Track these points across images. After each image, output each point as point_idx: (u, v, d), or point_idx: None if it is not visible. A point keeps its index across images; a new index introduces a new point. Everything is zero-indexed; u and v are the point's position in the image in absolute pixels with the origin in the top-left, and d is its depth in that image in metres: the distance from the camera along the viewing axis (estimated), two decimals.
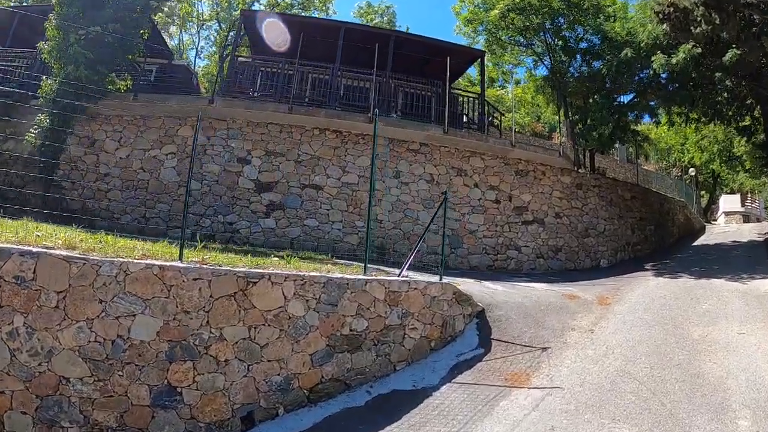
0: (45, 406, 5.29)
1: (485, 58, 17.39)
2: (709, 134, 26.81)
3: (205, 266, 6.25)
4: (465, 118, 16.93)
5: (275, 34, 15.01)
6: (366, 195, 13.35)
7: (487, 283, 10.94)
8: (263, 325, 6.39)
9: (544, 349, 7.61)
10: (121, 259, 5.86)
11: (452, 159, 14.29)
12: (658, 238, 18.90)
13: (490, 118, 17.63)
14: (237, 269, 6.38)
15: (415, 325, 7.63)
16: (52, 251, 5.62)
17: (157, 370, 5.75)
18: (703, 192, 34.78)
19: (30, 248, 5.52)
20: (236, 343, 6.22)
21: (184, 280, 5.99)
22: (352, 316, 7.00)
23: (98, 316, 5.59)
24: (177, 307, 5.94)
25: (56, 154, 12.15)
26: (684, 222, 22.73)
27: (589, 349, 7.45)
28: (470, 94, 16.98)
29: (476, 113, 16.26)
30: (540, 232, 14.89)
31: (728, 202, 33.18)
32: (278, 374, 6.40)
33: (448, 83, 14.41)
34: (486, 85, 18.27)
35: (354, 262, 10.73)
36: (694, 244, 19.77)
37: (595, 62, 16.60)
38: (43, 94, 11.98)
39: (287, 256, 8.07)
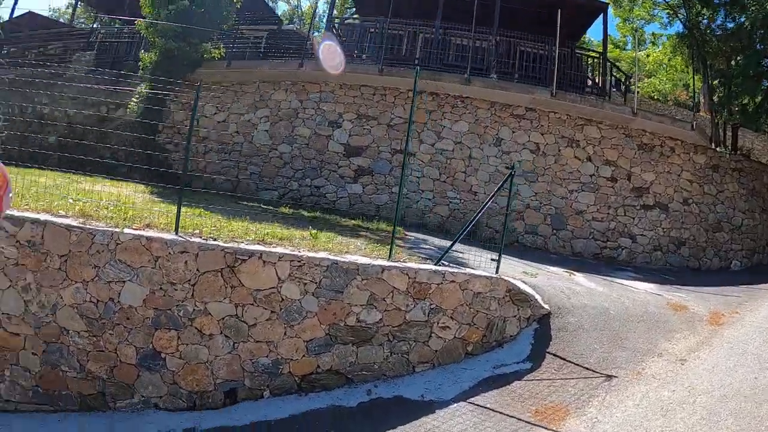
0: (49, 351, 5.42)
1: (609, 11, 14.13)
2: None
3: (192, 240, 5.45)
4: (589, 82, 14.11)
5: None
6: (462, 164, 11.70)
7: (579, 277, 8.84)
8: (251, 304, 5.48)
9: (609, 377, 5.55)
10: (113, 229, 5.46)
11: (563, 127, 11.82)
12: None
13: (624, 84, 14.52)
14: (225, 245, 5.48)
15: (448, 324, 6.07)
16: (56, 220, 5.51)
17: (143, 334, 5.45)
18: None
19: (39, 217, 5.49)
20: (222, 319, 5.45)
21: (170, 253, 5.40)
22: (361, 305, 5.71)
23: (92, 280, 5.43)
24: (163, 277, 5.37)
25: (156, 120, 12.22)
26: None
27: (667, 389, 5.21)
28: (591, 54, 13.96)
29: (599, 76, 13.33)
30: (661, 220, 11.88)
31: None
32: (266, 356, 5.53)
33: (557, 39, 11.79)
34: (621, 47, 15.03)
35: (434, 238, 9.10)
36: None
37: (741, 16, 12.47)
38: (142, 66, 12.09)
39: (313, 233, 6.83)
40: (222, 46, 12.64)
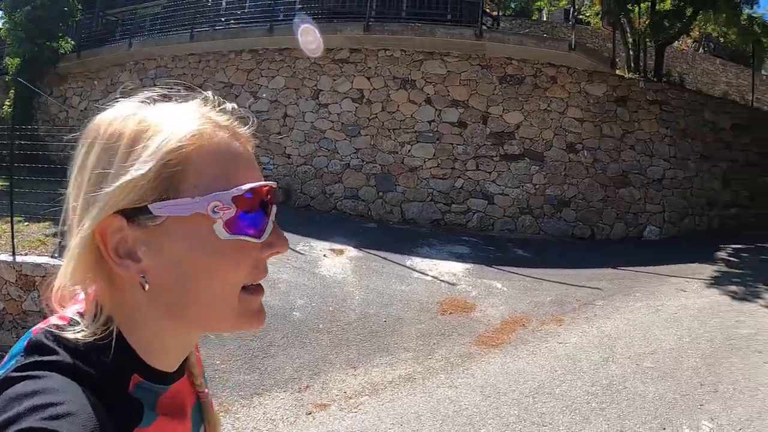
0: None
1: None
2: None
3: None
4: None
5: None
6: (277, 124, 10.44)
7: (341, 258, 7.40)
8: None
9: None
10: None
11: (396, 66, 9.84)
12: None
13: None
14: None
15: None
16: None
17: None
18: None
19: None
20: None
21: None
22: None
23: None
24: None
25: (29, 118, 12.89)
26: None
27: None
28: None
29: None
30: (533, 174, 9.31)
31: None
32: None
33: None
34: None
35: None
36: None
37: None
38: (9, 71, 13.14)
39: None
40: (69, 39, 13.10)
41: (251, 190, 0.59)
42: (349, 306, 5.90)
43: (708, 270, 7.48)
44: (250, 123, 0.67)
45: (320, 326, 5.43)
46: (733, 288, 6.71)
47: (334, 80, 10.15)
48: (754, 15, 10.52)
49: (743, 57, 14.33)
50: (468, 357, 4.92)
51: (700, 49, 17.09)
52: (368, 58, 10.03)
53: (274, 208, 0.63)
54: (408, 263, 7.33)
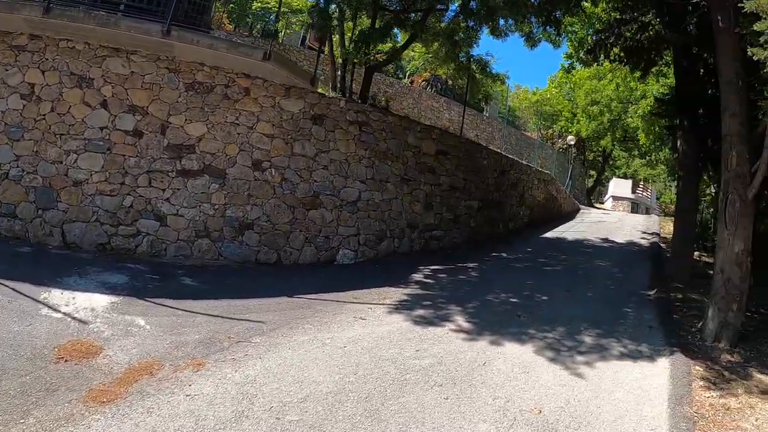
0: None
1: None
2: (601, 99, 23.14)
3: None
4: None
5: None
6: None
7: None
8: None
9: None
10: None
11: (75, 60, 8.46)
12: (485, 221, 11.12)
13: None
14: None
15: None
16: None
17: None
18: (593, 172, 31.56)
19: None
20: None
21: None
22: None
23: None
24: None
25: None
26: (543, 202, 16.03)
27: None
28: None
29: None
30: (213, 192, 8.34)
31: (619, 186, 31.21)
32: None
33: None
34: None
35: None
36: (546, 235, 12.89)
37: None
38: None
39: None
40: None
41: None
42: None
43: (398, 294, 7.08)
44: None
45: None
46: (422, 312, 6.34)
47: (6, 70, 8.51)
48: (472, 54, 10.84)
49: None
50: (68, 420, 3.78)
51: (428, 88, 18.12)
52: (48, 47, 8.54)
53: None
54: (42, 297, 6.00)
